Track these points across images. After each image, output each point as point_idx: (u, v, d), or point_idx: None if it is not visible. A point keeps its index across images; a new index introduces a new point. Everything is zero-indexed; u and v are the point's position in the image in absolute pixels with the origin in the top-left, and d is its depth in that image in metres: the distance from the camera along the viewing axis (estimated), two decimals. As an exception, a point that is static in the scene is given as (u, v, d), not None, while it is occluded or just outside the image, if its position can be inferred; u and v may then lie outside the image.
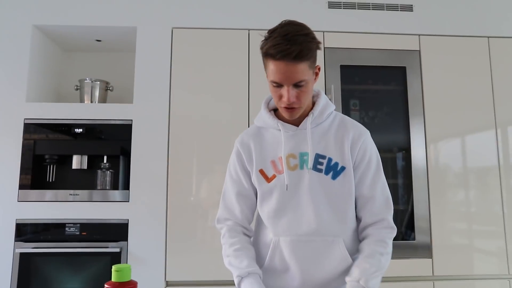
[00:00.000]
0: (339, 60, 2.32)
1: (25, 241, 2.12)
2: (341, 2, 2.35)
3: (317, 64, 1.11)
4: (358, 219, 1.18)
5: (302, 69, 1.03)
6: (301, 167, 1.14)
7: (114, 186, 2.28)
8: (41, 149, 2.23)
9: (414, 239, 2.24)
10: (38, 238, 2.13)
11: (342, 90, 2.31)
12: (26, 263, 2.11)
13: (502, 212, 2.27)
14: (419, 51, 2.34)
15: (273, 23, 2.44)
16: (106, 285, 0.90)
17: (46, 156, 2.27)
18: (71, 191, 2.19)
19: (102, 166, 2.28)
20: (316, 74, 1.13)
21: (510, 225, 2.26)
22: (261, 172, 1.18)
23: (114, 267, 0.91)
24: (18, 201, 2.14)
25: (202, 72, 2.27)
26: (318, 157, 1.14)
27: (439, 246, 2.22)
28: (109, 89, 2.47)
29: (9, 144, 2.18)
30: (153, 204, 2.16)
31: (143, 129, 2.22)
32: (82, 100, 2.42)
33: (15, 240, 2.10)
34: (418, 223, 2.24)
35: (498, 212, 2.27)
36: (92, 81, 2.40)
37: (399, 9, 2.36)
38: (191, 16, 2.30)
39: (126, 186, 2.22)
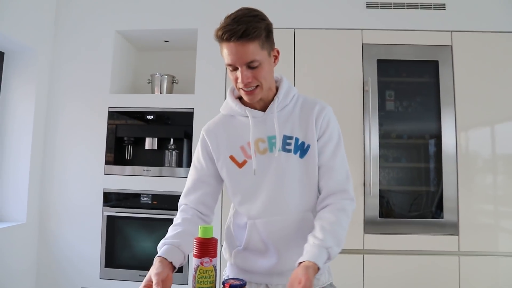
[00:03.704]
0: (376, 55, 2.54)
1: (110, 206, 2.61)
2: (378, 2, 2.58)
3: (276, 48, 1.13)
4: (319, 189, 1.17)
5: (252, 49, 1.04)
6: (271, 150, 1.14)
7: (179, 164, 2.70)
8: (121, 132, 2.69)
9: (442, 218, 2.43)
10: (119, 204, 2.61)
11: (379, 82, 2.53)
12: (111, 224, 2.60)
13: (527, 195, 2.43)
14: (451, 46, 2.51)
15: (316, 23, 2.75)
16: (194, 240, 0.97)
17: (125, 138, 2.72)
18: (145, 167, 2.63)
19: (169, 147, 2.70)
20: (275, 57, 1.14)
21: (534, 207, 2.41)
22: (232, 158, 1.17)
23: (200, 227, 0.97)
24: (104, 174, 2.63)
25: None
26: (286, 138, 1.14)
27: (465, 224, 2.40)
28: (175, 82, 2.89)
29: (97, 128, 2.67)
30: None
31: (203, 115, 2.57)
32: (153, 92, 2.85)
33: (103, 205, 2.60)
34: (447, 203, 2.43)
35: (523, 196, 2.43)
36: (161, 76, 2.83)
37: (432, 8, 2.55)
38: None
39: (189, 164, 2.63)
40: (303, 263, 0.96)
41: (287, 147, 1.14)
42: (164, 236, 1.10)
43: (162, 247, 1.05)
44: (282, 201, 1.14)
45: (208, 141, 1.20)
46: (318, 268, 0.96)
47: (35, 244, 2.64)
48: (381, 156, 2.51)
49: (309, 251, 0.99)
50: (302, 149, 1.14)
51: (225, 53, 1.06)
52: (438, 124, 2.51)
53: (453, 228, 2.42)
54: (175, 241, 1.06)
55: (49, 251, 2.64)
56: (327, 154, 1.15)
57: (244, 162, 1.16)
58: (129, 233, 2.62)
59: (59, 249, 2.63)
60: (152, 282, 0.93)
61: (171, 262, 1.01)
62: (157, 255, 1.03)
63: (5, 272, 2.41)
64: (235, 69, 1.08)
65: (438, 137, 2.52)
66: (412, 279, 2.35)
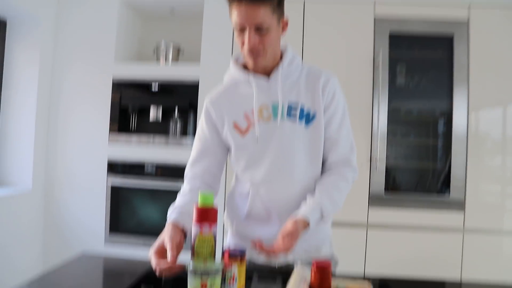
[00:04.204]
0: (388, 29, 2.44)
1: (115, 176, 2.61)
2: (393, -27, 2.47)
3: (285, 17, 1.13)
4: (323, 160, 1.19)
5: (263, 13, 1.03)
6: (275, 117, 1.13)
7: (183, 134, 2.68)
8: (126, 101, 2.66)
9: (449, 195, 2.40)
10: (124, 174, 2.61)
11: (390, 57, 2.44)
12: (115, 193, 2.61)
13: (536, 177, 2.37)
14: (468, 21, 2.40)
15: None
16: (194, 207, 0.93)
17: (129, 108, 2.70)
18: (150, 137, 2.61)
19: (173, 118, 2.67)
20: (283, 27, 1.13)
21: (543, 188, 2.36)
22: (235, 125, 1.16)
23: (200, 194, 0.92)
24: (108, 143, 2.62)
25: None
26: (291, 105, 1.14)
27: (472, 203, 2.37)
28: (181, 52, 2.82)
29: (101, 97, 2.64)
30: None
31: (208, 85, 2.48)
32: (158, 60, 2.79)
33: (107, 175, 2.61)
34: (454, 182, 2.39)
35: (532, 177, 2.37)
36: (166, 45, 2.76)
37: (450, -21, 2.44)
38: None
39: (193, 134, 2.61)
40: (294, 218, 1.03)
41: (292, 114, 1.14)
42: (168, 205, 1.10)
43: (172, 214, 1.06)
44: (286, 168, 1.14)
45: (211, 110, 1.20)
46: (308, 224, 1.03)
47: (42, 212, 2.67)
48: (389, 132, 2.46)
49: (302, 209, 1.06)
50: (308, 117, 1.14)
51: (235, 14, 1.05)
52: (449, 102, 2.45)
53: (459, 206, 2.39)
54: (185, 209, 1.06)
55: (55, 218, 2.67)
56: (333, 127, 1.16)
57: (248, 129, 1.15)
58: (133, 203, 2.63)
59: (64, 217, 2.66)
60: (163, 247, 0.94)
61: (182, 229, 1.01)
62: (168, 221, 1.03)
63: (13, 238, 2.45)
64: (242, 30, 1.06)
65: (449, 115, 2.45)
66: (415, 255, 2.35)
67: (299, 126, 1.13)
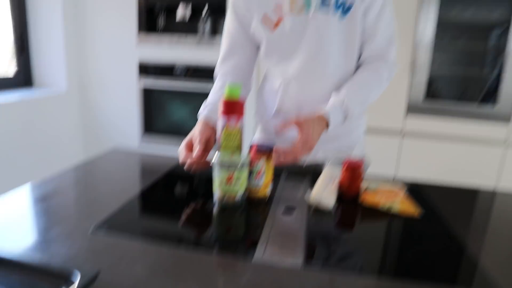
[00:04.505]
0: None
1: (146, 78, 2.60)
2: None
3: None
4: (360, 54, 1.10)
5: None
6: (308, 8, 1.02)
7: (213, 33, 2.55)
8: (152, 0, 2.52)
9: (493, 107, 2.25)
10: (154, 75, 2.59)
11: None
12: (147, 96, 2.63)
13: None
14: None
15: None
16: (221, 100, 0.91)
17: (156, 7, 2.56)
18: (180, 37, 2.51)
19: (202, 16, 2.51)
20: None
21: None
22: (265, 19, 1.07)
23: (227, 87, 0.89)
24: (137, 45, 2.56)
25: None
26: None
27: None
28: None
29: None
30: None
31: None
32: (185, -47, 2.56)
33: (139, 77, 2.61)
34: (504, 94, 2.22)
35: None
36: None
37: None
38: None
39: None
40: (317, 115, 0.97)
41: (326, 4, 1.01)
42: (200, 106, 1.07)
43: (203, 111, 1.04)
44: (319, 63, 1.06)
45: (239, 4, 1.10)
46: (327, 125, 0.98)
47: (79, 112, 2.77)
48: (436, 36, 2.24)
49: (325, 108, 1.00)
50: (343, 7, 1.01)
51: None
52: (509, 8, 2.15)
53: (504, 119, 2.25)
54: (216, 106, 1.01)
55: (91, 119, 2.78)
56: (371, 16, 1.04)
57: (279, 21, 1.05)
58: (166, 104, 2.65)
59: (99, 119, 2.76)
60: (193, 142, 0.94)
61: (213, 126, 1.00)
62: (199, 118, 1.02)
63: (53, 137, 2.57)
64: None
65: (507, 23, 2.17)
66: (450, 166, 2.30)
67: (334, 17, 1.02)
